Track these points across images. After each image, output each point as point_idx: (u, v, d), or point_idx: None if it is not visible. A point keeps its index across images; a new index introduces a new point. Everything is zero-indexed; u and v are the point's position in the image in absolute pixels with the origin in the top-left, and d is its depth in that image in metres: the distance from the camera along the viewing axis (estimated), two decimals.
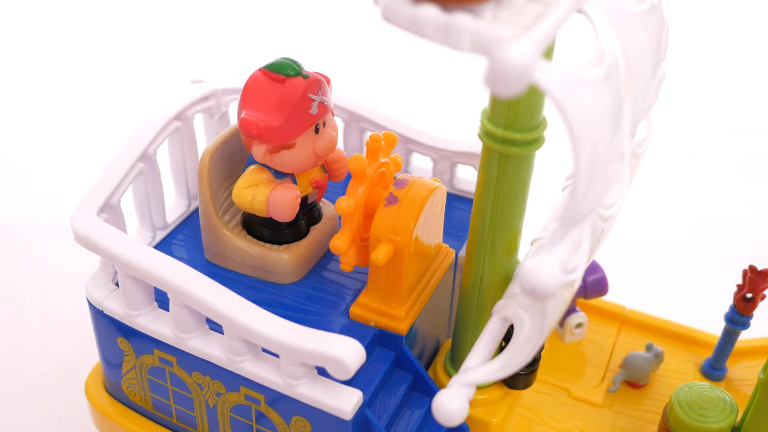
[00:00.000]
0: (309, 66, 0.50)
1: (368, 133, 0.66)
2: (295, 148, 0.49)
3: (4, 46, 1.35)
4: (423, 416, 0.50)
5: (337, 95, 0.62)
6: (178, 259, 0.49)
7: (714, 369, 0.61)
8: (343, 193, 0.49)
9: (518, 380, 0.52)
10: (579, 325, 0.63)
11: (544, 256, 0.33)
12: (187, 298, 0.46)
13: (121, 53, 1.34)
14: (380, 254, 0.47)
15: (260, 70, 0.50)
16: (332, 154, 0.53)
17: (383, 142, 0.49)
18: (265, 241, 0.53)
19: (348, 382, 0.46)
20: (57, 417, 0.71)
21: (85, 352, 0.73)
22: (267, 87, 0.49)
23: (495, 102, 0.41)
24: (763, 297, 0.56)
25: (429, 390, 0.51)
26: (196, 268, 0.48)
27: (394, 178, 0.50)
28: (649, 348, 0.60)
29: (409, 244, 0.47)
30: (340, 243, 0.49)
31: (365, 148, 0.53)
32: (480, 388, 0.52)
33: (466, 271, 0.49)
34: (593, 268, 0.62)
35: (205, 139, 0.62)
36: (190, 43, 1.38)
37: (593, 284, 0.62)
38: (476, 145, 0.60)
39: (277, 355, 0.46)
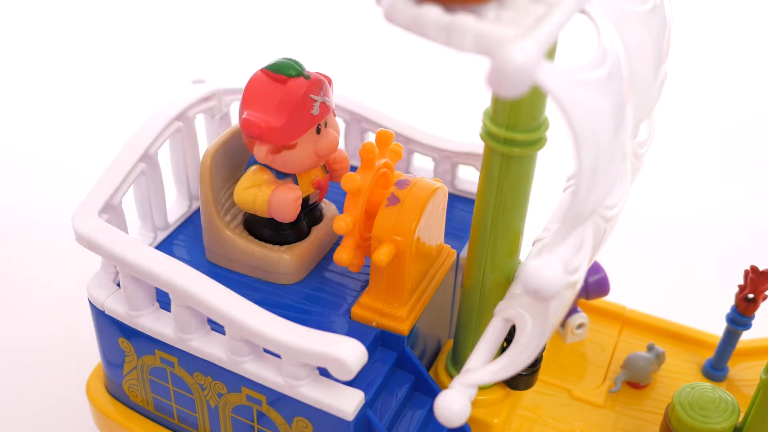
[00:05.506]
0: (310, 66, 0.50)
1: (370, 134, 0.66)
2: (296, 148, 0.49)
3: (4, 47, 1.35)
4: (425, 417, 0.50)
5: (338, 95, 0.62)
6: (180, 259, 0.49)
7: (715, 369, 0.61)
8: (344, 193, 0.49)
9: (520, 381, 0.52)
10: (580, 326, 0.63)
11: (547, 257, 0.33)
12: (189, 298, 0.46)
13: (123, 54, 1.34)
14: (382, 255, 0.46)
15: (262, 70, 0.50)
16: (334, 155, 0.53)
17: (377, 150, 0.49)
18: (267, 241, 0.53)
19: (350, 383, 0.46)
20: (58, 417, 0.71)
21: (87, 352, 0.73)
22: (268, 87, 0.48)
23: (497, 102, 0.41)
24: (765, 297, 0.56)
25: (430, 391, 0.51)
26: (197, 268, 0.48)
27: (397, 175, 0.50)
28: (650, 348, 0.60)
29: (411, 244, 0.47)
30: (343, 257, 0.49)
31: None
32: (482, 388, 0.52)
33: (467, 272, 0.49)
34: (595, 269, 0.62)
35: (206, 140, 0.61)
36: (192, 43, 1.38)
37: (595, 285, 0.62)
38: (478, 146, 0.60)
39: (278, 356, 0.46)
